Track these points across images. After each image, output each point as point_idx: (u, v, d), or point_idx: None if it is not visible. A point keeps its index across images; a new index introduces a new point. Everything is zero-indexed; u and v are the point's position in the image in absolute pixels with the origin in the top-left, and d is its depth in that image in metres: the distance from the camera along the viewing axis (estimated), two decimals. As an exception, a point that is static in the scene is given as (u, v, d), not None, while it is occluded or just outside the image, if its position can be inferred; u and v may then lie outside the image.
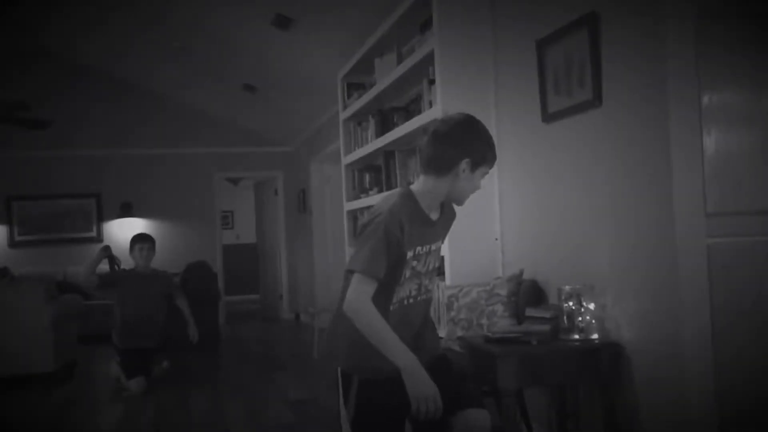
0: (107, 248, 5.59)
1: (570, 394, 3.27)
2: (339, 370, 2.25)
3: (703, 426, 2.56)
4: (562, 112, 3.24)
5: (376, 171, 5.26)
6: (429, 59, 3.99)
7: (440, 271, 3.89)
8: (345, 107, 5.76)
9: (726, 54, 2.69)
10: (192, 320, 5.56)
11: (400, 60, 4.51)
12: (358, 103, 5.40)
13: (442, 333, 3.85)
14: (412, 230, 2.06)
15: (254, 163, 9.95)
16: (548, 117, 3.36)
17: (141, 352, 5.44)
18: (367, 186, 5.40)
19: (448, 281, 3.86)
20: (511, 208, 3.83)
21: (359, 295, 2.00)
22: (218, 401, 5.07)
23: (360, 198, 5.47)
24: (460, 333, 3.53)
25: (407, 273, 2.11)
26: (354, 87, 5.61)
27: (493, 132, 3.81)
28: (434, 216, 2.19)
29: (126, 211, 9.28)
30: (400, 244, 2.04)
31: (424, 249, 2.15)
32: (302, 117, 8.37)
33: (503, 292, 3.46)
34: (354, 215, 5.75)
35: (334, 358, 2.26)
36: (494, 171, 3.86)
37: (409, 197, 2.12)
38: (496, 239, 3.92)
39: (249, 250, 12.12)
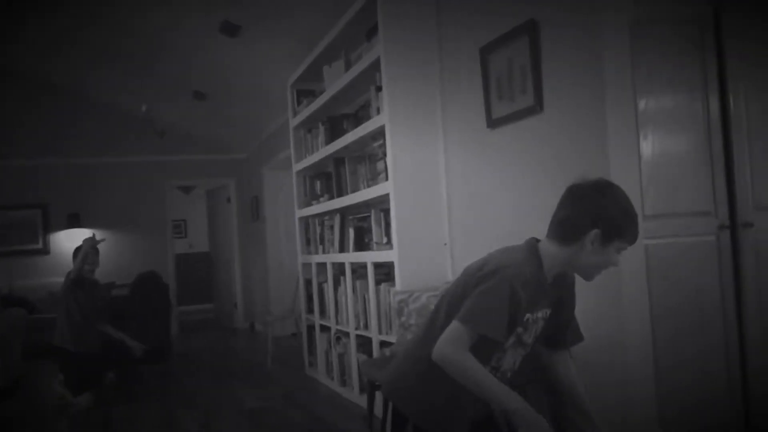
0: (93, 238, 5.34)
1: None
2: (391, 405, 2.06)
3: (645, 425, 2.63)
4: (505, 117, 3.29)
5: (327, 178, 5.27)
6: (376, 66, 4.02)
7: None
8: (295, 114, 5.75)
9: (660, 60, 2.78)
10: (126, 337, 5.39)
11: (348, 67, 4.52)
12: (307, 110, 5.40)
13: (392, 338, 3.87)
14: (530, 293, 1.83)
15: (206, 170, 9.84)
16: (493, 123, 3.41)
17: (87, 361, 5.30)
18: (319, 193, 5.40)
19: (398, 286, 3.88)
20: (459, 213, 3.87)
21: (456, 343, 1.77)
22: (170, 413, 4.99)
23: (312, 205, 5.46)
24: (410, 338, 3.54)
25: (511, 340, 1.89)
26: (304, 94, 5.61)
27: (439, 138, 3.94)
28: (549, 280, 1.92)
29: (73, 221, 9.07)
30: (520, 307, 1.81)
31: (534, 316, 1.90)
32: (253, 124, 8.32)
33: (452, 296, 3.49)
34: (306, 222, 5.74)
35: (394, 393, 2.03)
36: (442, 175, 3.92)
37: (536, 255, 1.88)
38: (445, 244, 3.95)
39: (202, 259, 11.97)
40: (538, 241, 1.94)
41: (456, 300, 1.86)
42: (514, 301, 1.78)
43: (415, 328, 3.55)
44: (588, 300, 2.82)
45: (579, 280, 1.95)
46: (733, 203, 2.84)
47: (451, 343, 1.78)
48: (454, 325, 1.78)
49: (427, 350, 1.83)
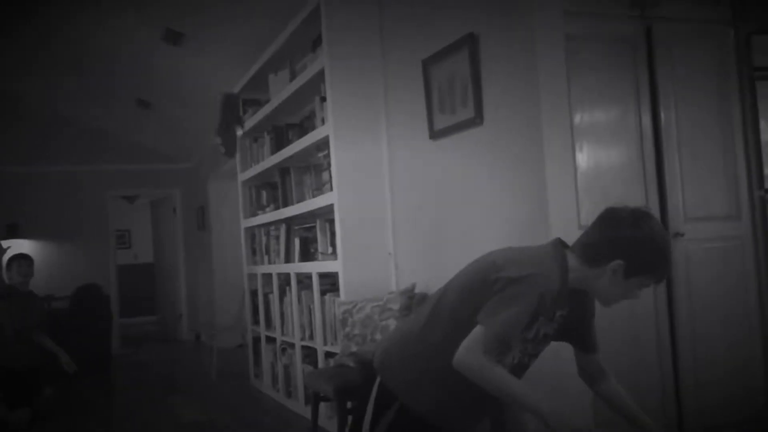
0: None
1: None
2: (377, 384, 1.95)
3: None
4: (447, 129, 3.34)
5: (272, 188, 5.24)
6: (320, 77, 4.03)
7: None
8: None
9: (595, 76, 2.86)
10: (61, 352, 5.23)
11: (293, 77, 4.52)
12: (253, 120, 5.37)
13: (337, 349, 3.86)
14: (554, 303, 1.78)
15: (150, 180, 9.66)
16: (435, 134, 3.45)
17: (21, 375, 5.12)
18: (264, 203, 5.37)
19: (342, 297, 3.88)
20: (403, 223, 3.90)
21: (484, 351, 1.71)
22: (108, 429, 4.87)
23: (257, 215, 5.43)
24: (354, 348, 3.55)
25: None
26: (249, 103, 5.58)
27: (383, 148, 3.97)
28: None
29: (12, 231, 8.78)
30: (540, 315, 1.78)
31: (546, 320, 1.85)
32: (199, 133, 8.22)
33: (396, 306, 3.51)
34: (252, 232, 5.69)
35: (385, 372, 1.94)
36: (386, 185, 3.95)
37: (564, 267, 1.80)
38: (390, 253, 3.97)
39: (146, 269, 11.74)
40: (565, 246, 1.87)
41: (472, 295, 1.80)
42: (538, 311, 1.75)
43: (359, 338, 3.55)
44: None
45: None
46: (665, 214, 2.94)
47: (476, 350, 1.72)
48: (480, 331, 1.72)
49: (430, 336, 1.84)
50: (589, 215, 2.78)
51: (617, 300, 1.83)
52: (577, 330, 1.94)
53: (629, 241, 1.74)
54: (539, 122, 2.73)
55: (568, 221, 2.72)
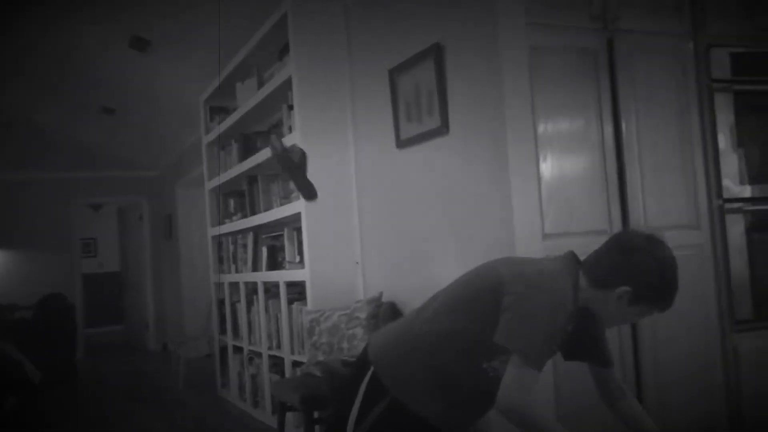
0: None
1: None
2: (369, 376, 1.89)
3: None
4: (413, 138, 3.35)
5: (240, 196, 5.21)
6: (288, 85, 4.03)
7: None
8: (208, 131, 5.68)
9: (558, 86, 2.90)
10: (25, 360, 5.15)
11: (260, 85, 4.51)
12: (220, 127, 5.34)
13: (305, 358, 3.85)
14: (567, 320, 1.74)
15: (117, 188, 9.54)
16: (401, 143, 3.47)
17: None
18: (232, 211, 5.34)
19: (309, 306, 3.87)
20: (371, 232, 3.91)
21: (523, 388, 1.65)
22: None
23: (225, 223, 5.39)
24: (321, 357, 3.54)
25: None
26: (217, 111, 5.56)
27: (351, 157, 3.98)
28: None
29: (-27, 240, 8.62)
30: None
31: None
32: (166, 140, 8.15)
33: (363, 315, 3.52)
34: (219, 241, 5.65)
35: (380, 366, 1.89)
36: (354, 194, 3.95)
37: (576, 288, 1.77)
38: (357, 262, 3.98)
39: (113, 278, 11.57)
40: (577, 262, 1.83)
41: (479, 306, 1.77)
42: (558, 328, 1.72)
43: (326, 347, 3.54)
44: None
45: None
46: (627, 222, 2.98)
47: (517, 387, 1.66)
48: (515, 367, 1.67)
49: (433, 340, 1.81)
50: (553, 224, 2.83)
51: (618, 324, 1.83)
52: (588, 345, 1.91)
53: (639, 270, 1.72)
54: (504, 132, 2.76)
55: (532, 229, 2.76)
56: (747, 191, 3.24)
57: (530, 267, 1.83)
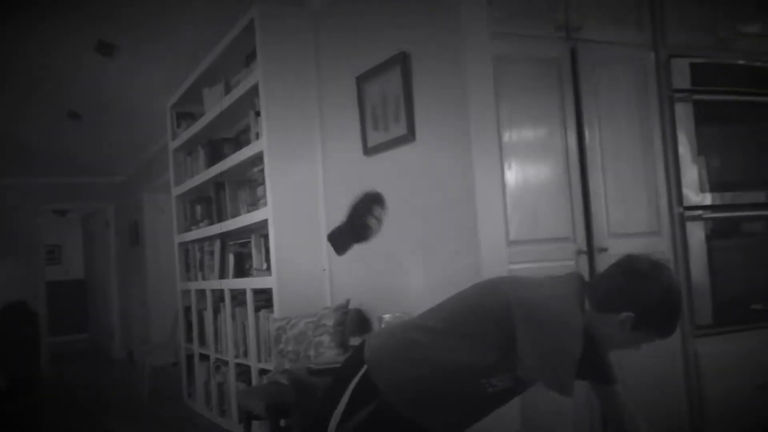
0: None
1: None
2: (361, 374, 1.86)
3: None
4: (380, 145, 3.36)
5: (207, 202, 5.17)
6: (255, 91, 4.01)
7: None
8: (174, 137, 5.63)
9: (523, 95, 2.94)
10: None
11: (227, 91, 4.49)
12: (187, 133, 5.30)
13: (271, 366, 3.83)
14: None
15: (82, 193, 9.40)
16: (369, 150, 3.48)
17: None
18: (199, 218, 5.29)
19: (276, 313, 3.85)
20: (338, 239, 3.89)
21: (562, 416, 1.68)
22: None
23: (191, 230, 5.34)
24: (287, 365, 3.52)
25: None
26: (184, 116, 5.51)
27: (318, 164, 3.97)
28: None
29: (-68, 247, 8.42)
30: None
31: None
32: (133, 146, 8.05)
33: (330, 322, 3.50)
34: (186, 248, 5.59)
35: (375, 368, 1.85)
36: (321, 201, 3.95)
37: (582, 308, 1.78)
38: (324, 269, 3.97)
39: (78, 286, 11.39)
40: (583, 283, 1.84)
41: (483, 328, 1.76)
42: (577, 355, 1.71)
43: (293, 355, 3.52)
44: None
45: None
46: (590, 230, 3.02)
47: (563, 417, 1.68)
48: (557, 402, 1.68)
49: (428, 349, 1.80)
50: (517, 230, 2.86)
51: (617, 348, 1.81)
52: (591, 363, 1.86)
53: (644, 296, 1.72)
54: (469, 139, 2.78)
55: (497, 236, 2.78)
56: (707, 199, 3.31)
57: (539, 292, 1.80)
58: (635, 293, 1.72)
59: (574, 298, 1.78)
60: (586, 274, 2.98)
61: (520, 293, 1.79)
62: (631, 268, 1.76)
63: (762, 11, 3.60)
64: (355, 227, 2.22)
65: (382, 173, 3.42)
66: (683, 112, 3.25)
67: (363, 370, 1.86)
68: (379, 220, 2.20)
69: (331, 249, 2.31)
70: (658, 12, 3.27)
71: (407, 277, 3.24)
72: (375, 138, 3.41)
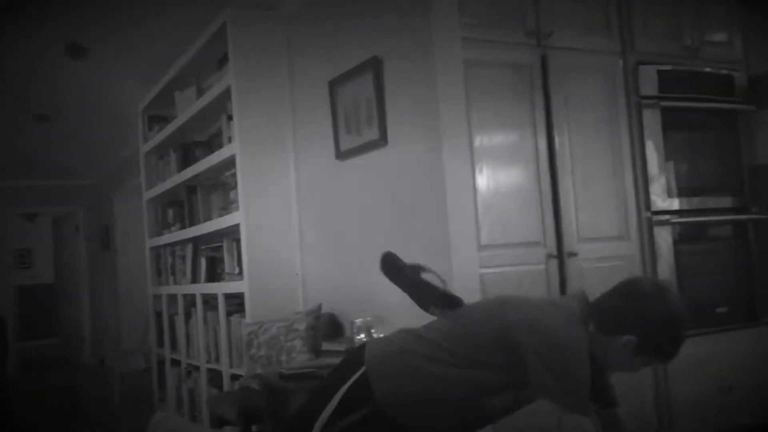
0: None
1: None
2: (358, 376, 1.85)
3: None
4: (353, 150, 3.37)
5: (179, 206, 5.13)
6: (227, 95, 3.99)
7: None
8: (146, 140, 5.58)
9: (494, 100, 2.96)
10: None
11: (200, 94, 4.46)
12: (159, 137, 5.25)
13: (243, 371, 3.81)
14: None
15: (52, 197, 9.26)
16: (341, 155, 3.48)
17: None
18: (170, 222, 5.24)
19: (248, 318, 3.83)
20: (311, 243, 3.89)
21: None
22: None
23: (163, 234, 5.29)
24: (259, 370, 3.50)
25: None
26: (155, 120, 5.46)
27: (291, 167, 3.96)
28: None
29: None
30: None
31: None
32: (104, 149, 7.96)
33: (302, 326, 3.49)
34: (157, 252, 5.54)
35: (375, 375, 1.84)
36: (294, 205, 3.94)
37: (587, 331, 1.77)
38: (297, 274, 3.96)
39: (48, 290, 11.22)
40: (588, 304, 1.83)
41: (487, 351, 1.77)
42: (589, 375, 1.71)
43: (264, 360, 3.51)
44: (423, 323, 2.91)
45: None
46: (560, 234, 3.05)
47: None
48: (573, 421, 1.67)
49: (430, 363, 1.80)
50: (488, 235, 2.88)
51: (618, 371, 1.82)
52: (594, 385, 1.83)
53: (648, 321, 1.71)
54: (440, 144, 2.80)
55: (468, 240, 2.80)
56: (675, 204, 3.36)
57: (546, 316, 1.79)
58: (638, 317, 1.72)
59: (579, 320, 1.78)
60: (555, 278, 3.01)
61: (527, 318, 1.78)
62: (635, 292, 1.77)
63: (727, 20, 3.67)
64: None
65: (355, 177, 3.42)
66: (651, 119, 3.31)
67: (361, 372, 1.85)
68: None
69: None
70: (626, 20, 3.32)
71: (379, 281, 3.24)
72: (347, 142, 3.42)
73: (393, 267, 2.19)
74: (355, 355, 1.96)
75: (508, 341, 1.75)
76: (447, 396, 1.81)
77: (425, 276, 2.16)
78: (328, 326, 3.54)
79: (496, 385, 1.77)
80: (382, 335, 3.01)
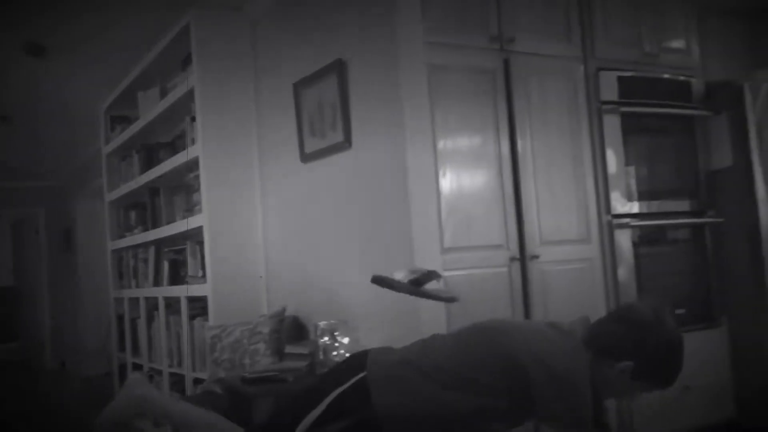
0: None
1: None
2: (357, 379, 1.85)
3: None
4: (317, 152, 3.36)
5: (141, 208, 5.06)
6: (191, 96, 3.95)
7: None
8: (108, 141, 5.50)
9: (458, 104, 2.98)
10: None
11: (163, 95, 4.41)
12: (122, 137, 5.18)
13: (206, 375, 3.77)
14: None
15: (12, 198, 9.07)
16: (306, 157, 3.47)
17: None
18: (133, 224, 5.17)
19: (211, 321, 3.79)
20: (275, 246, 3.88)
21: None
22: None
23: (125, 237, 5.22)
24: (222, 374, 3.47)
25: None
26: (118, 120, 5.38)
27: (255, 170, 3.95)
28: None
29: None
30: None
31: None
32: (65, 150, 7.82)
33: (266, 330, 3.48)
34: (119, 255, 5.46)
35: (376, 382, 1.84)
36: (258, 208, 3.92)
37: (588, 355, 1.77)
38: (261, 277, 3.93)
39: (7, 293, 10.99)
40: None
41: (488, 377, 1.76)
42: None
43: (228, 364, 3.48)
44: (387, 326, 2.93)
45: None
46: (523, 237, 3.08)
47: None
48: None
49: (430, 383, 1.79)
50: (451, 238, 2.89)
51: (613, 396, 1.83)
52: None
53: (644, 346, 1.71)
54: (404, 147, 2.81)
55: (431, 243, 2.81)
56: (635, 207, 3.42)
57: (554, 348, 1.77)
58: (636, 343, 1.72)
59: (582, 347, 1.78)
60: (518, 281, 3.04)
61: (534, 348, 1.77)
62: (633, 318, 1.77)
63: (685, 28, 3.75)
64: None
65: (319, 180, 3.42)
66: (611, 124, 3.36)
67: (360, 376, 1.84)
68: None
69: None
70: (588, 26, 3.38)
71: (342, 284, 3.25)
72: (312, 145, 3.41)
73: (387, 285, 2.21)
74: (357, 359, 1.95)
75: (514, 369, 1.75)
76: (446, 419, 1.80)
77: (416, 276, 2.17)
78: (292, 329, 3.53)
79: (496, 411, 1.77)
80: (346, 339, 3.01)
